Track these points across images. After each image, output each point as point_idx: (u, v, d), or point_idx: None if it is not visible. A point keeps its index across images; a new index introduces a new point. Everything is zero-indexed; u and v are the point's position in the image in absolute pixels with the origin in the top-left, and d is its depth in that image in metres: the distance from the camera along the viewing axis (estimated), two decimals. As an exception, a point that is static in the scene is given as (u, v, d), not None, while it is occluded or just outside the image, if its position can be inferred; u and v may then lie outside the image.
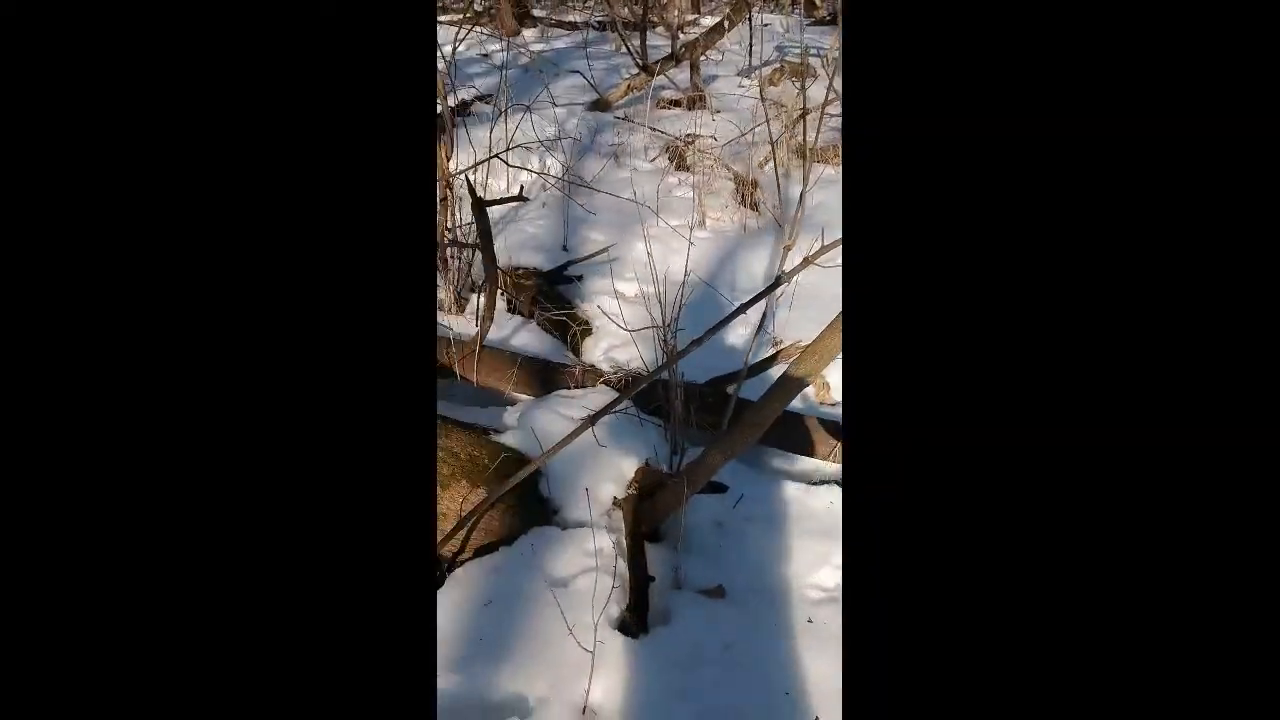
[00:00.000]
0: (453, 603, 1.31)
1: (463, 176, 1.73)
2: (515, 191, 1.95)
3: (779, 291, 1.83)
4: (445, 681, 1.19)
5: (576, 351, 1.99)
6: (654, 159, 3.42)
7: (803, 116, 3.23)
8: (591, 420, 1.25)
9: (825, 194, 2.94)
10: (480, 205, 1.56)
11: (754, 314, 2.22)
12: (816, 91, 3.80)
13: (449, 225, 2.16)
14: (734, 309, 1.12)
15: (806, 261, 1.23)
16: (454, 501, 1.41)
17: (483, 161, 2.02)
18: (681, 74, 4.31)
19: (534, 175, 2.62)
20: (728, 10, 4.66)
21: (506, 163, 2.05)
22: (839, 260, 2.15)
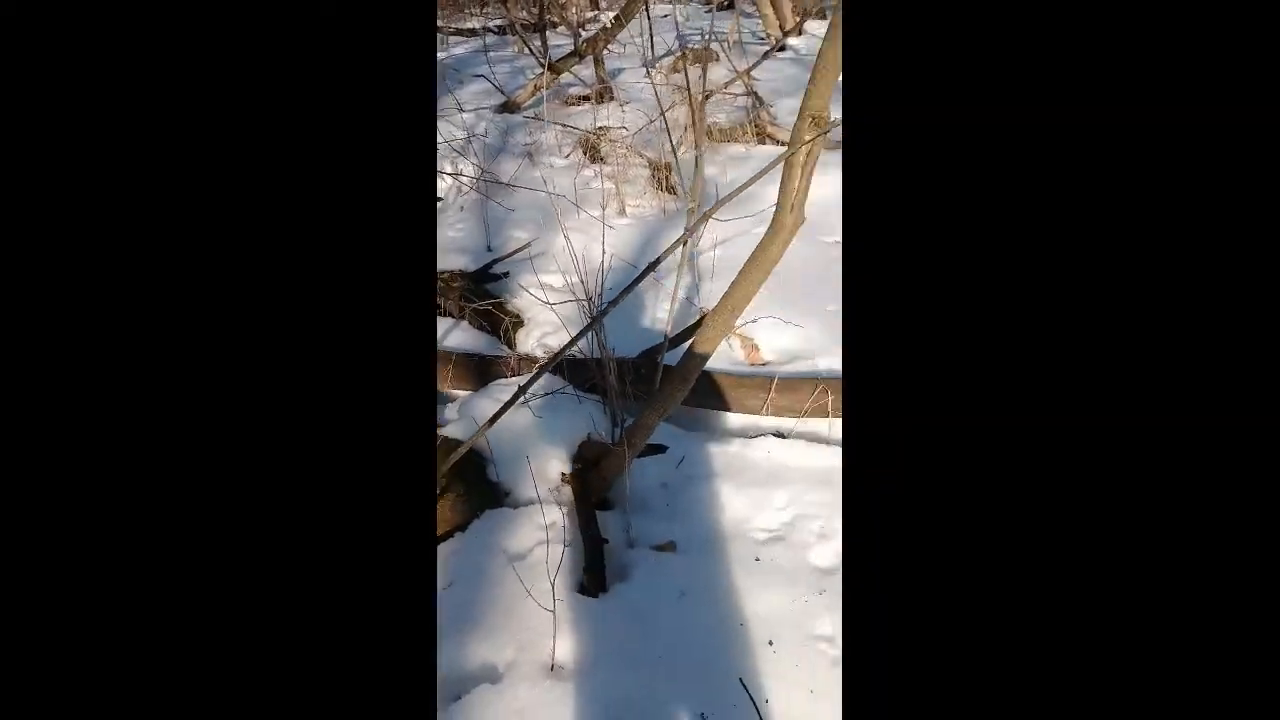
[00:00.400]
0: (414, 592, 1.34)
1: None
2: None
3: (701, 264, 1.90)
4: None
5: (510, 344, 2.03)
6: (568, 155, 3.46)
7: (706, 98, 3.33)
8: (523, 390, 1.30)
9: (738, 170, 3.05)
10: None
11: (679, 288, 2.31)
12: (720, 74, 3.92)
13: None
14: (644, 269, 1.18)
15: (705, 216, 1.30)
16: (404, 496, 1.43)
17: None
18: (586, 70, 4.37)
19: (450, 179, 2.63)
20: (623, 3, 4.73)
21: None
22: (744, 226, 2.23)
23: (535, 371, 1.27)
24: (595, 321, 1.19)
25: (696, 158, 1.40)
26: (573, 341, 1.16)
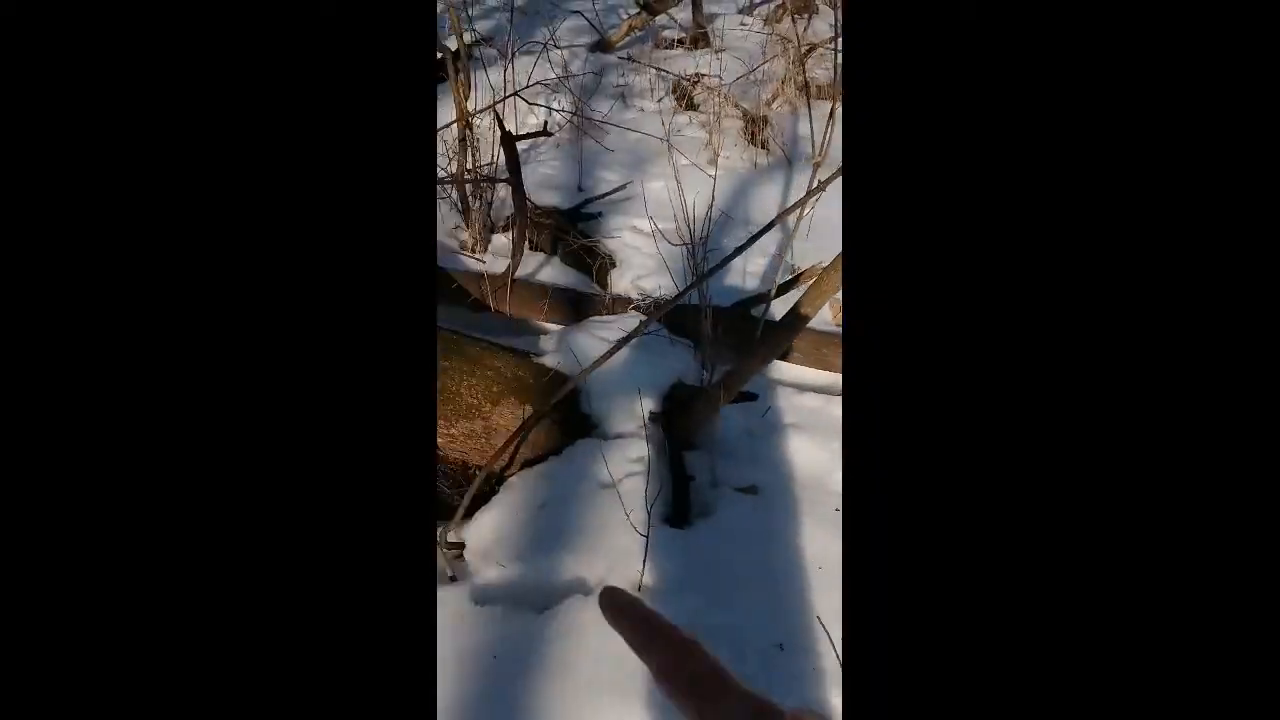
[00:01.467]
0: (509, 505, 1.43)
1: (491, 113, 1.79)
2: (531, 131, 2.02)
3: (796, 224, 1.91)
4: (512, 571, 1.32)
5: (602, 284, 2.08)
6: (660, 99, 3.44)
7: (809, 52, 3.25)
8: (628, 338, 1.36)
9: (837, 129, 2.99)
10: (509, 139, 1.63)
11: (772, 245, 2.31)
12: (821, 28, 3.80)
13: (470, 165, 2.23)
14: (765, 226, 1.21)
15: (821, 186, 1.31)
16: (503, 417, 1.52)
17: (502, 100, 2.07)
18: (683, 12, 4.29)
19: (550, 113, 2.66)
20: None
21: (527, 101, 2.10)
22: (837, 187, 2.21)
23: (643, 324, 1.32)
24: (702, 279, 1.22)
25: (830, 111, 1.39)
26: (680, 296, 1.21)
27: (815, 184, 1.29)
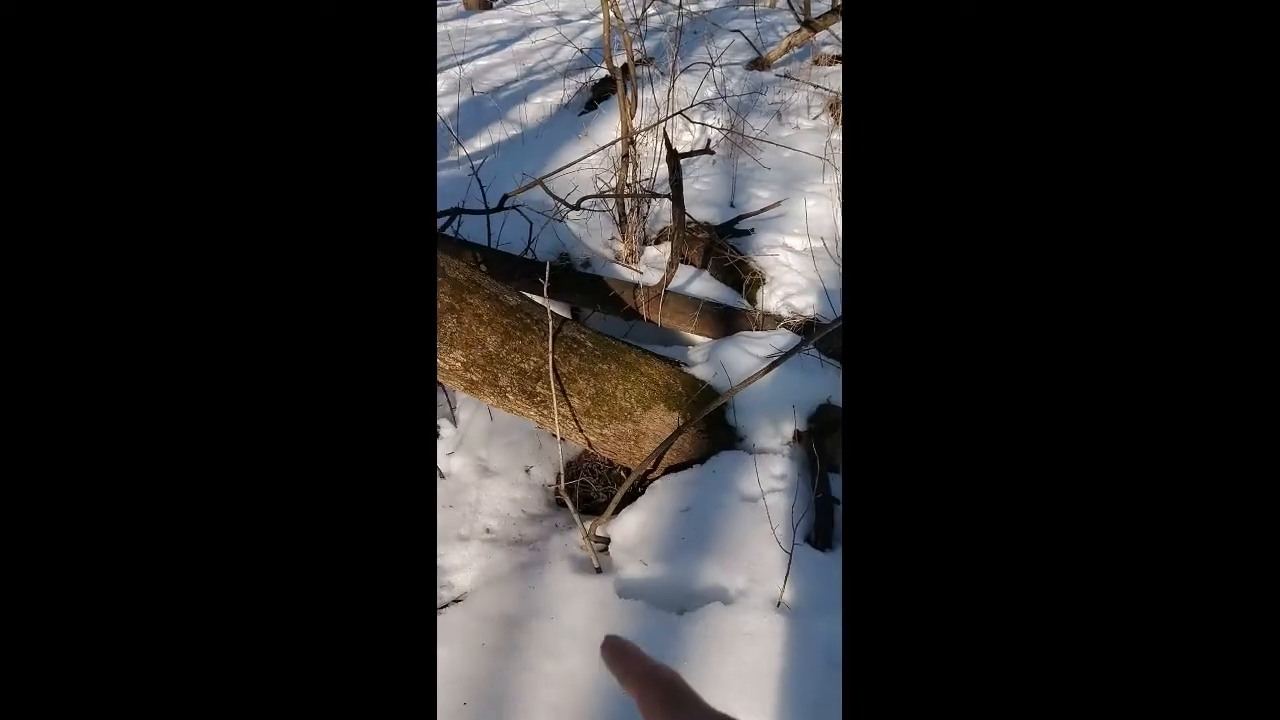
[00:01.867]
0: (653, 508, 1.49)
1: (661, 130, 1.86)
2: (692, 148, 2.08)
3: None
4: (654, 570, 1.37)
5: (751, 299, 2.11)
6: (816, 117, 3.42)
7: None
8: (784, 357, 1.37)
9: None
10: (675, 157, 1.69)
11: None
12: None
13: (630, 180, 2.33)
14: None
15: None
16: (653, 423, 1.58)
17: (667, 119, 2.15)
18: (842, 29, 4.23)
19: (705, 130, 2.73)
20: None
21: (689, 119, 2.17)
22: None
23: (796, 346, 1.33)
24: None
25: None
26: (836, 323, 1.20)
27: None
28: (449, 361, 1.40)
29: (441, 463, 1.79)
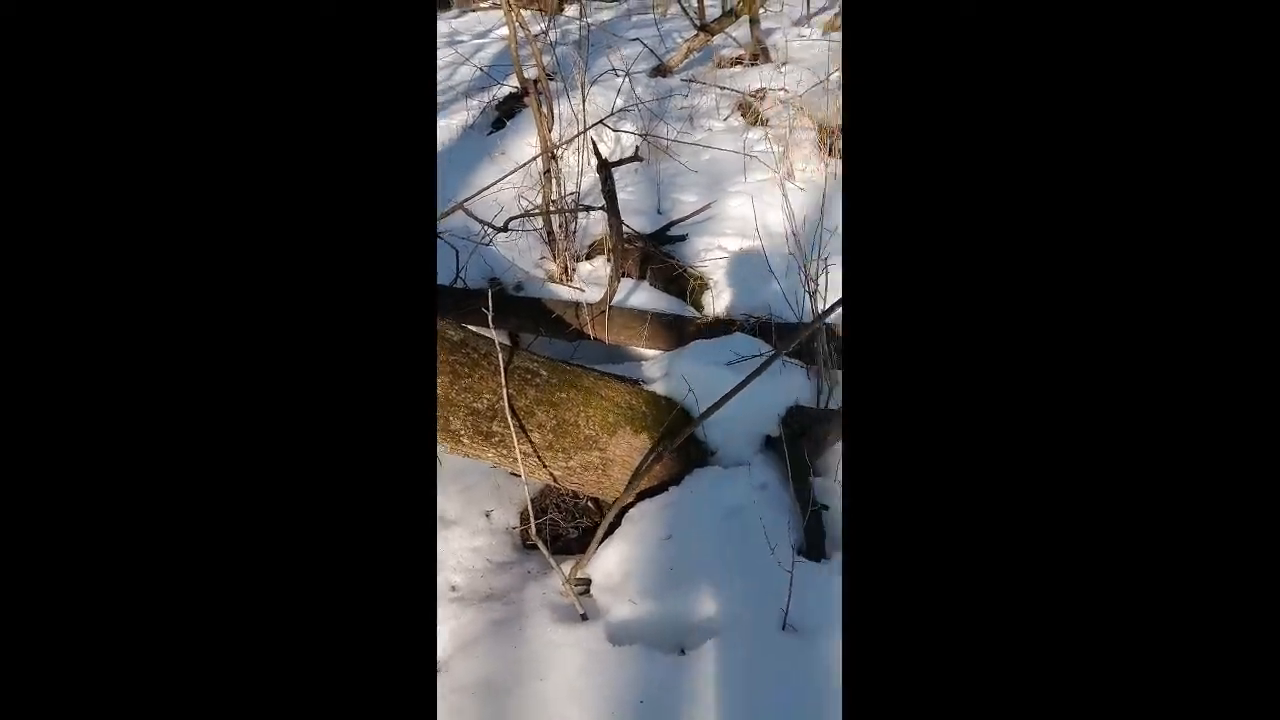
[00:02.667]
0: (632, 539, 1.38)
1: (588, 140, 1.78)
2: (618, 157, 2.01)
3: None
4: (645, 608, 1.27)
5: (697, 305, 2.04)
6: (727, 118, 3.42)
7: (880, 59, 3.19)
8: (759, 370, 1.31)
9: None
10: (605, 166, 1.61)
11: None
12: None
13: (554, 196, 2.22)
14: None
15: None
16: (619, 448, 1.48)
17: (588, 129, 2.07)
18: (739, 30, 4.27)
19: (619, 139, 2.66)
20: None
21: (612, 128, 2.10)
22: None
23: (771, 357, 1.27)
24: (830, 311, 1.17)
25: None
26: (811, 328, 1.15)
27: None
28: (392, 410, 1.25)
29: (390, 520, 1.63)
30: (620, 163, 1.69)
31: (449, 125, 3.87)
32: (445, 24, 6.88)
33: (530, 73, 2.32)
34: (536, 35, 2.14)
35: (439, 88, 4.67)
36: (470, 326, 1.45)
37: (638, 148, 2.08)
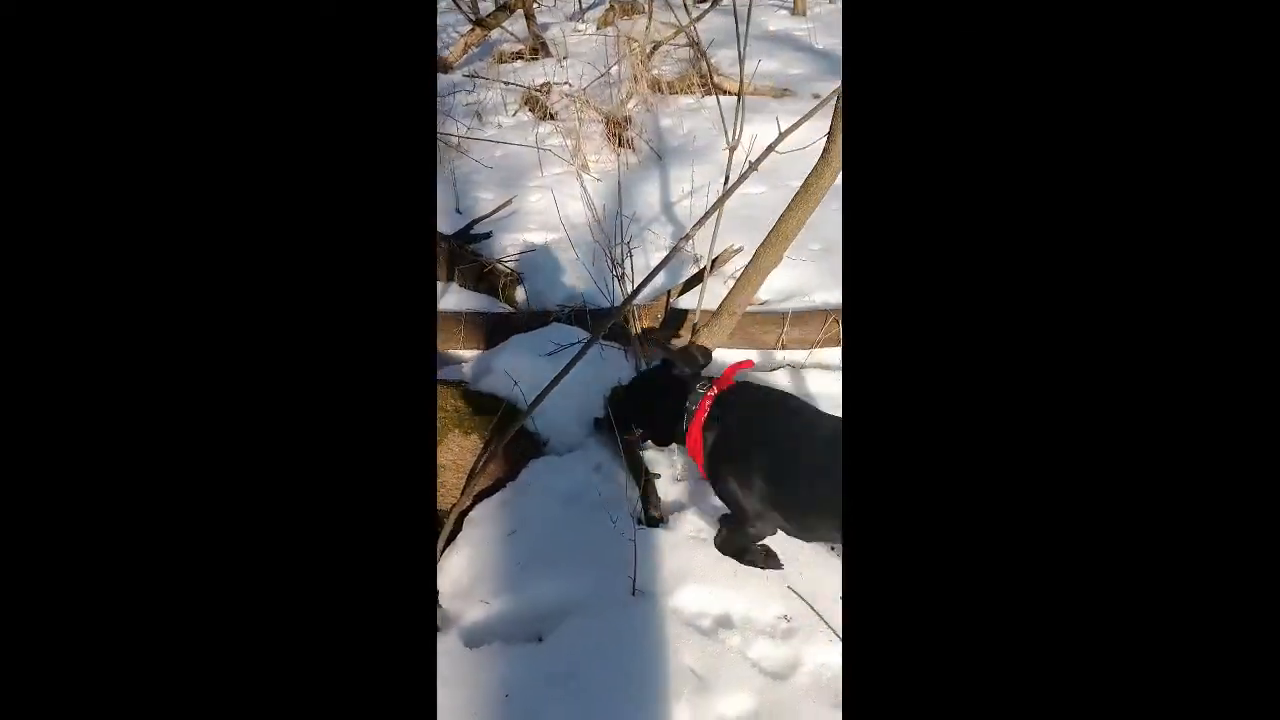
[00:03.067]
0: (476, 541, 1.37)
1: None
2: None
3: (712, 214, 1.95)
4: (499, 606, 1.26)
5: (510, 301, 2.03)
6: (515, 113, 3.41)
7: (654, 50, 3.35)
8: (576, 358, 1.34)
9: (693, 121, 3.10)
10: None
11: (666, 238, 2.36)
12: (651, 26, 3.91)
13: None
14: (709, 210, 1.24)
15: (753, 166, 1.35)
16: (450, 452, 1.45)
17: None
18: (515, 24, 4.26)
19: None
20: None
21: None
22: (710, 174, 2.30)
23: (588, 342, 1.31)
24: (638, 290, 1.23)
25: (737, 104, 1.44)
26: (621, 310, 1.21)
27: (740, 169, 1.33)
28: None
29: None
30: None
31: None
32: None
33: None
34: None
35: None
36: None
37: (428, 146, 2.02)
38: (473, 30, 4.04)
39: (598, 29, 4.37)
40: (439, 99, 3.42)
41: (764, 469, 1.18)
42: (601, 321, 1.41)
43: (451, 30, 4.65)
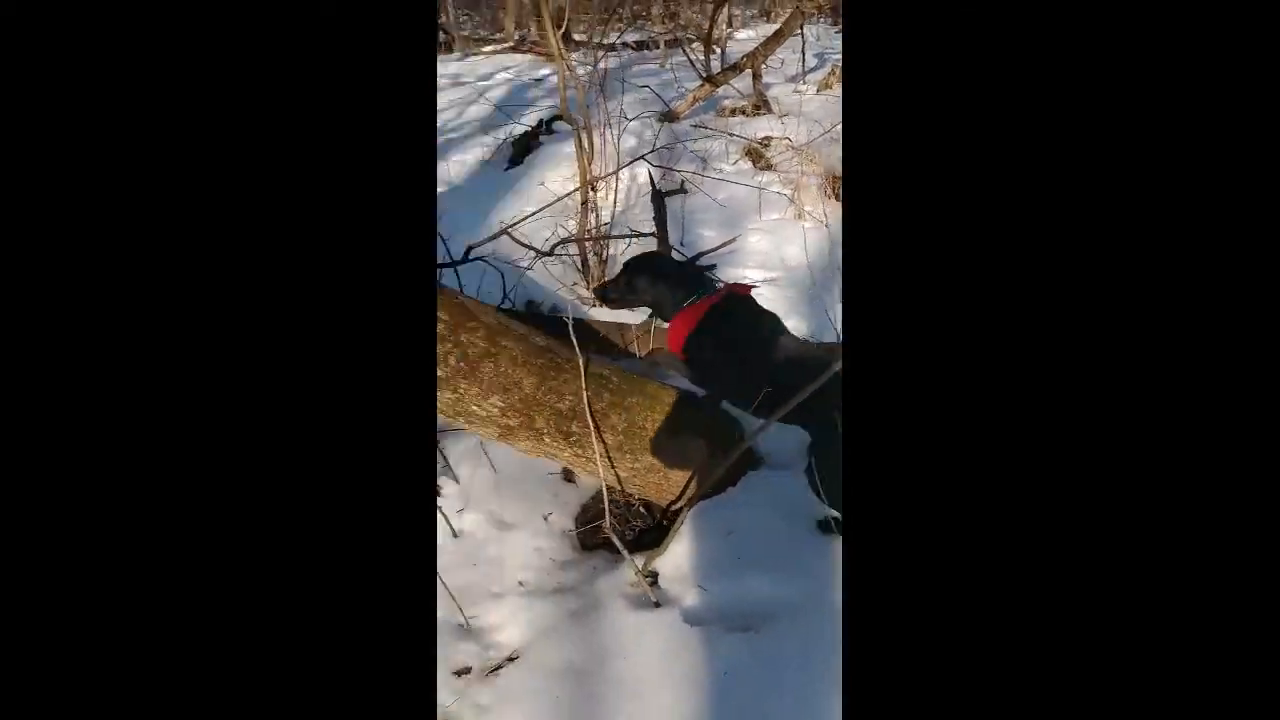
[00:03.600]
0: (694, 534, 1.49)
1: (645, 172, 1.93)
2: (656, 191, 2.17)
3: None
4: (711, 595, 1.37)
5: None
6: (735, 162, 3.63)
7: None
8: (817, 383, 1.44)
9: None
10: (659, 196, 1.76)
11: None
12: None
13: (590, 226, 2.38)
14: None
15: None
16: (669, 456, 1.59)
17: (630, 163, 2.23)
18: (740, 82, 4.54)
19: (650, 174, 2.83)
20: (783, 20, 4.88)
21: (652, 164, 2.26)
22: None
23: (829, 375, 1.39)
24: None
25: None
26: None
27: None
28: (485, 408, 1.36)
29: (453, 521, 1.70)
30: (672, 193, 1.84)
31: (464, 160, 4.03)
32: (447, 66, 7.11)
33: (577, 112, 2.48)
34: (581, 75, 2.31)
35: (451, 125, 4.84)
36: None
37: (683, 181, 2.25)
38: (702, 85, 4.36)
39: (818, 91, 4.54)
40: (668, 148, 3.74)
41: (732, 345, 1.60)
42: (834, 355, 1.50)
43: (675, 86, 5.03)
